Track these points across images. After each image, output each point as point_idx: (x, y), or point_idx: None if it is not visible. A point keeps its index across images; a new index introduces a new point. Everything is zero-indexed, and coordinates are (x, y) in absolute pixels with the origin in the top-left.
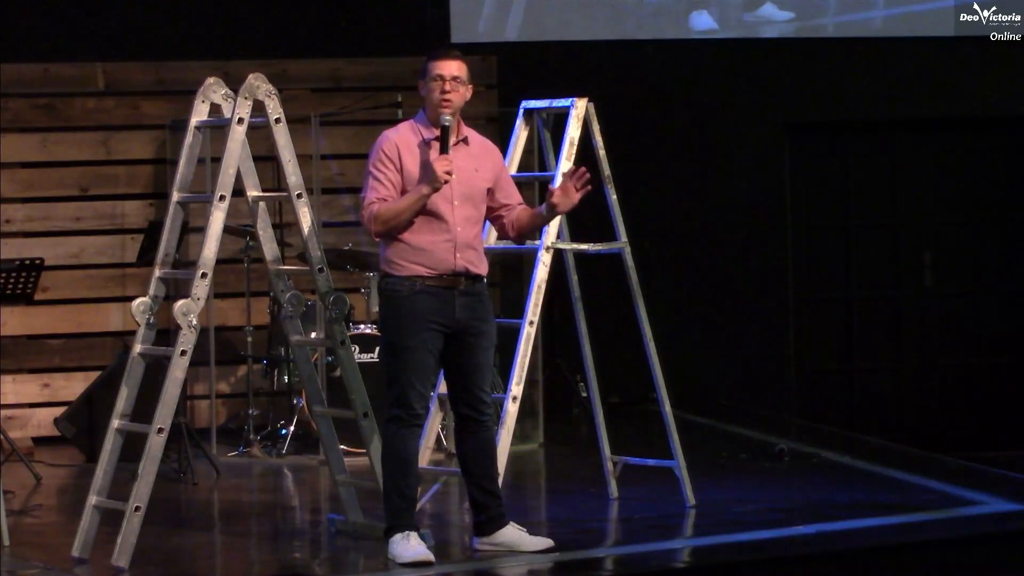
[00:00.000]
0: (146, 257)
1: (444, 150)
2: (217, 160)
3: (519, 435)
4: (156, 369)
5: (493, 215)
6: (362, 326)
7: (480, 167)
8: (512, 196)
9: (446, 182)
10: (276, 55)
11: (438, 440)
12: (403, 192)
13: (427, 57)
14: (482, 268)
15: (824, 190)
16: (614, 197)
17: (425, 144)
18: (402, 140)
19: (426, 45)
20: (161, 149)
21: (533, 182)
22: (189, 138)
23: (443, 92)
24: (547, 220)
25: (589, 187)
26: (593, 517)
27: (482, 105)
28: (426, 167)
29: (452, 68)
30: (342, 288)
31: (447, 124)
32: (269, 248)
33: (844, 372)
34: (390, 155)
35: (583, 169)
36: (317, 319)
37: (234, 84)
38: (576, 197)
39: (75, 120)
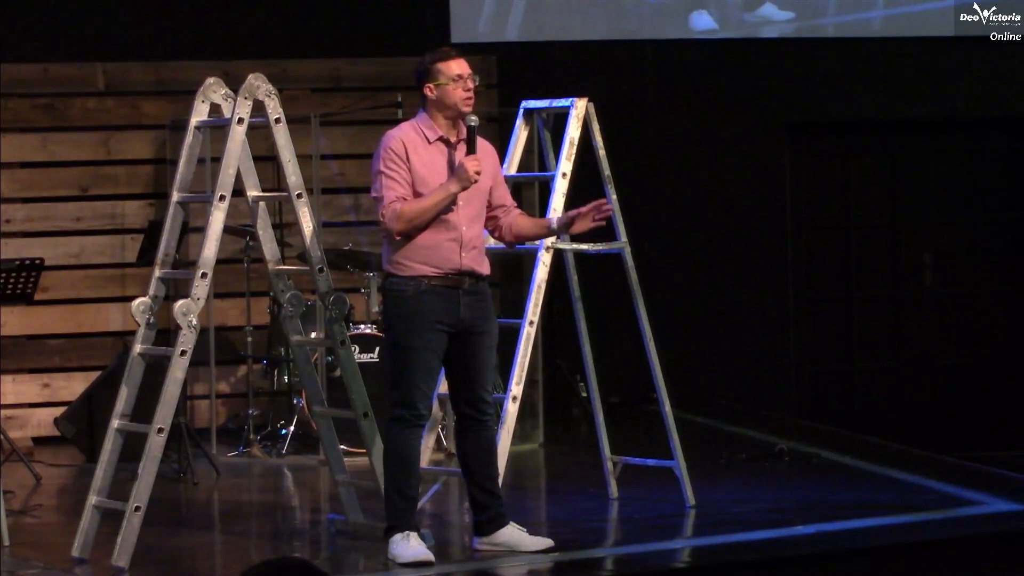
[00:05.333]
0: (146, 257)
1: (472, 150)
2: (217, 160)
3: (519, 435)
4: (156, 369)
5: (487, 215)
6: (362, 326)
7: (482, 167)
8: (506, 198)
9: (475, 182)
10: (276, 55)
11: (438, 440)
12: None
13: (432, 58)
14: (485, 268)
15: (824, 190)
16: (614, 197)
17: (429, 144)
18: (408, 139)
19: (426, 45)
20: (161, 149)
21: (533, 182)
22: (189, 138)
23: (467, 91)
24: (552, 234)
25: (603, 223)
26: (593, 517)
27: (482, 105)
28: (449, 167)
29: (468, 67)
30: (342, 288)
31: (474, 124)
32: (269, 248)
33: (844, 372)
34: (399, 154)
35: (609, 207)
36: (317, 319)
37: (234, 84)
38: (591, 225)
39: (75, 120)
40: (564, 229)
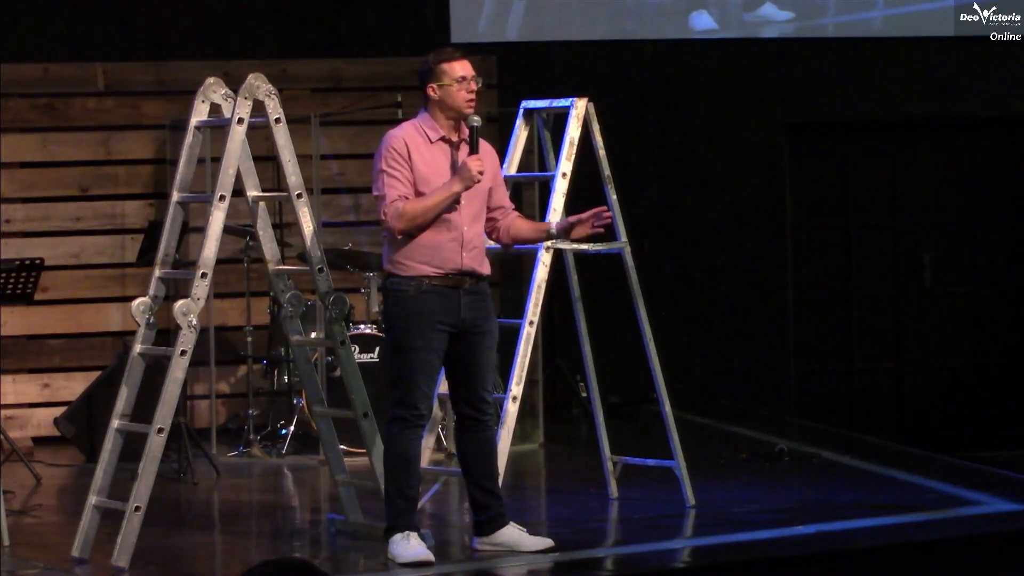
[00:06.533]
0: (146, 257)
1: (475, 150)
2: (217, 160)
3: (519, 435)
4: (156, 369)
5: (486, 215)
6: (362, 326)
7: (483, 167)
8: (505, 199)
9: (478, 182)
10: (276, 55)
11: (438, 440)
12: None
13: (437, 59)
14: (486, 268)
15: (824, 190)
16: (614, 197)
17: (431, 143)
18: (410, 139)
19: (426, 45)
20: (161, 149)
21: (533, 182)
22: (189, 138)
23: (470, 93)
24: (551, 239)
25: (602, 230)
26: (593, 517)
27: (482, 105)
28: (452, 167)
29: (471, 69)
30: (342, 288)
31: (477, 124)
32: (269, 248)
33: (844, 372)
34: (401, 153)
35: (610, 214)
36: (317, 319)
37: (234, 84)
38: (590, 232)
39: (75, 120)
40: (563, 235)
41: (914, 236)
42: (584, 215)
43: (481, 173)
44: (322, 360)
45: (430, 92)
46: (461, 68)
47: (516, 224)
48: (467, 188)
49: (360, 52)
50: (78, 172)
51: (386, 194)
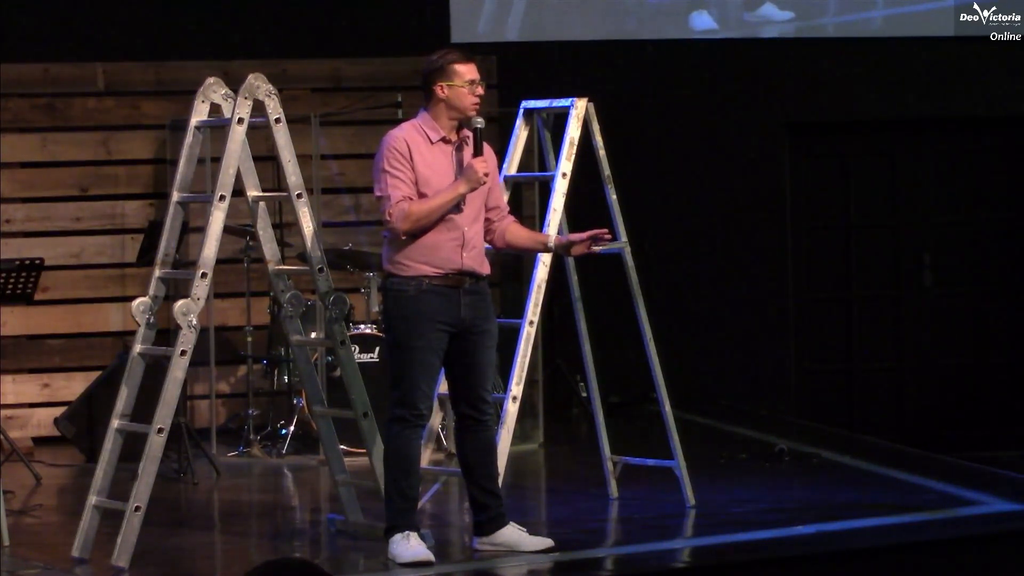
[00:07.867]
0: (146, 257)
1: (479, 152)
2: (217, 160)
3: (519, 435)
4: (156, 369)
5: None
6: (362, 326)
7: (488, 169)
8: (500, 200)
9: (484, 183)
10: (276, 55)
11: (438, 440)
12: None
13: (451, 58)
14: (485, 268)
15: (824, 190)
16: (614, 197)
17: (432, 144)
18: (411, 139)
19: (426, 45)
20: (161, 149)
21: (533, 182)
22: (189, 138)
23: (477, 96)
24: (546, 251)
25: (598, 251)
26: (593, 517)
27: (482, 105)
28: (458, 166)
29: (477, 71)
30: (342, 288)
31: (480, 126)
32: (269, 248)
33: (844, 372)
34: (403, 153)
35: (609, 236)
36: (317, 319)
37: (234, 84)
38: (586, 252)
39: (75, 120)
40: (561, 251)
41: (914, 236)
42: (584, 235)
43: (487, 175)
44: (322, 360)
45: (438, 90)
46: (471, 71)
47: (512, 230)
48: (473, 190)
49: (360, 52)
50: (78, 172)
51: (390, 195)
